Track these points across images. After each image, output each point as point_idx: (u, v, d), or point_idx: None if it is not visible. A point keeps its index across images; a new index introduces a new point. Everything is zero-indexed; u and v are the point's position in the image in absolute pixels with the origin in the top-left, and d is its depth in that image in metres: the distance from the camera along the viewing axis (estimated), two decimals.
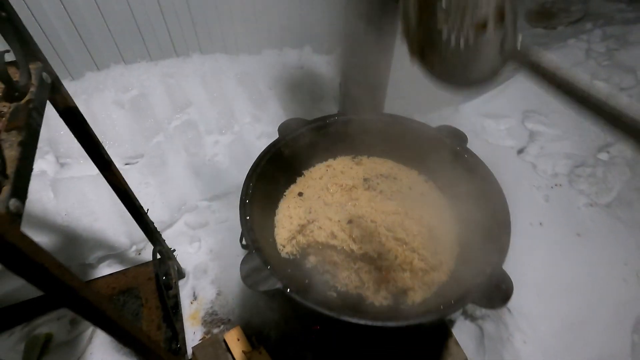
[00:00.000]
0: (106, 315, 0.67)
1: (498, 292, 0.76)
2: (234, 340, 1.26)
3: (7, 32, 0.64)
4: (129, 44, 1.69)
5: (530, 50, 0.50)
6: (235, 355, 1.23)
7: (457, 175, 1.04)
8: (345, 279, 0.95)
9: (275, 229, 1.04)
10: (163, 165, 1.66)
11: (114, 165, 1.00)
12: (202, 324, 1.38)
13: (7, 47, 0.65)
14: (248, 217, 0.90)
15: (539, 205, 1.63)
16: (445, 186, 1.10)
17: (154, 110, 1.73)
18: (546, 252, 1.50)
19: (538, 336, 1.31)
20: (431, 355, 1.22)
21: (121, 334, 0.74)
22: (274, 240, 1.03)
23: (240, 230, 0.96)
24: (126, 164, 1.67)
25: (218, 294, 1.44)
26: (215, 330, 1.36)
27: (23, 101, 0.63)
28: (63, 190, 1.47)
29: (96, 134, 0.91)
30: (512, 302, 1.36)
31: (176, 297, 1.33)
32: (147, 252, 1.54)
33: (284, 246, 1.01)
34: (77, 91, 1.69)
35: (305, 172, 1.17)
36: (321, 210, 1.01)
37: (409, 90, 1.90)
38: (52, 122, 1.43)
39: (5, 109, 0.62)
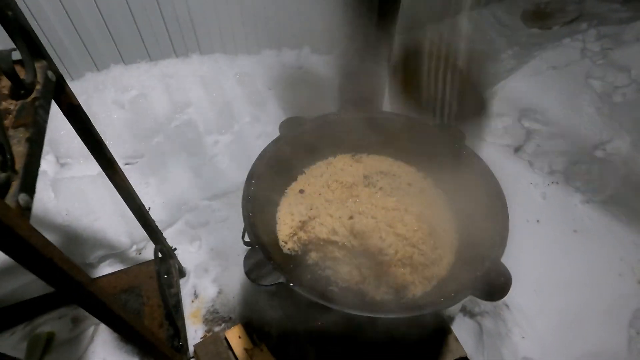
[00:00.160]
0: (112, 310, 0.68)
1: (497, 285, 0.77)
2: (236, 338, 1.27)
3: (14, 31, 0.65)
4: (128, 45, 1.70)
5: None
6: (237, 353, 1.24)
7: (455, 172, 1.06)
8: (347, 274, 0.96)
9: (277, 226, 1.06)
10: (163, 165, 1.67)
11: (117, 164, 1.01)
12: (204, 322, 1.39)
13: (13, 46, 0.66)
14: (250, 214, 0.91)
15: (536, 203, 1.66)
16: (444, 182, 1.11)
17: (153, 110, 1.74)
18: (543, 248, 1.52)
19: (536, 331, 1.33)
20: (431, 352, 1.24)
21: (126, 330, 0.75)
22: (276, 237, 1.04)
23: (241, 228, 0.97)
24: (126, 164, 1.68)
25: (219, 292, 1.45)
26: (217, 329, 1.37)
27: (29, 99, 0.64)
28: (63, 190, 1.47)
29: None
30: (510, 299, 1.39)
31: (177, 295, 1.33)
32: (147, 252, 1.55)
33: (285, 242, 1.02)
34: (77, 91, 1.67)
35: (306, 169, 1.18)
36: (322, 207, 1.02)
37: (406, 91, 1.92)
38: (52, 123, 1.43)
39: (12, 107, 0.62)
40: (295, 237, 1.01)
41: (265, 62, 1.98)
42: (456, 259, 0.99)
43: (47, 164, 1.59)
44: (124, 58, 1.74)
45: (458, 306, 1.40)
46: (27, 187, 0.53)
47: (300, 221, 1.02)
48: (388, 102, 1.53)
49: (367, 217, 0.97)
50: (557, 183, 1.72)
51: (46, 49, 0.74)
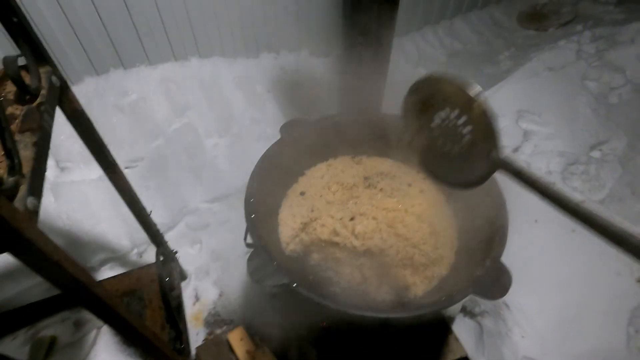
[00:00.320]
0: (117, 312, 0.68)
1: (498, 284, 0.78)
2: (238, 340, 1.27)
3: (19, 37, 0.66)
4: (128, 49, 1.70)
5: (513, 160, 0.59)
6: (239, 355, 1.25)
7: None
8: (348, 275, 0.97)
9: (279, 227, 1.06)
10: (163, 168, 1.67)
11: (119, 168, 1.01)
12: (205, 324, 1.39)
13: (17, 52, 0.67)
14: (253, 216, 0.91)
15: (534, 203, 1.65)
16: None
17: (153, 114, 1.74)
18: (542, 248, 1.53)
19: (536, 330, 1.34)
20: (432, 352, 1.24)
21: (129, 332, 0.75)
22: (278, 239, 1.04)
23: (242, 230, 0.97)
24: (126, 168, 1.68)
25: (220, 294, 1.45)
26: (218, 331, 1.37)
27: (35, 104, 0.65)
28: (64, 194, 1.47)
29: None
30: (510, 298, 1.40)
31: (179, 298, 1.34)
32: (148, 255, 1.55)
33: (287, 244, 1.03)
34: (77, 96, 1.68)
35: (306, 171, 1.19)
36: (323, 208, 1.03)
37: (405, 90, 1.93)
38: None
39: (17, 112, 0.63)
40: (297, 239, 1.02)
41: (264, 65, 1.99)
42: (457, 258, 1.00)
43: (47, 168, 1.59)
44: (124, 62, 1.75)
45: (458, 306, 1.41)
46: (34, 191, 0.54)
47: (301, 223, 1.03)
48: (385, 104, 1.55)
49: (368, 218, 0.98)
50: (554, 183, 1.73)
51: (49, 54, 0.75)
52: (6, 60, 0.60)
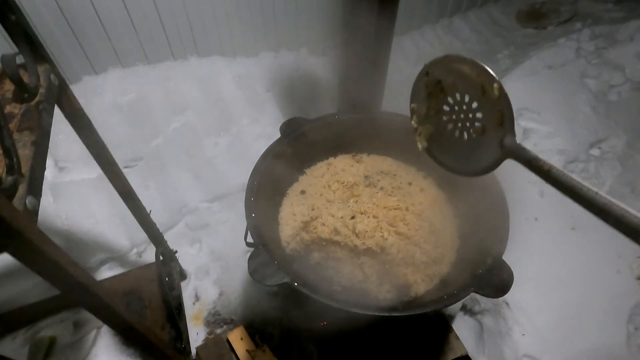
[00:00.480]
0: (116, 312, 0.68)
1: (499, 282, 0.78)
2: (238, 340, 1.27)
3: (17, 35, 0.65)
4: (126, 48, 1.70)
5: (525, 149, 0.56)
6: (239, 355, 1.24)
7: None
8: (349, 274, 0.97)
9: (280, 227, 1.06)
10: (162, 167, 1.67)
11: (118, 167, 1.01)
12: (205, 324, 1.39)
13: (15, 50, 0.66)
14: (254, 215, 0.91)
15: (534, 201, 1.67)
16: (444, 181, 1.12)
17: (152, 113, 1.74)
18: (542, 246, 1.53)
19: (536, 329, 1.34)
20: (432, 350, 1.24)
21: (129, 332, 0.75)
22: (279, 238, 1.04)
23: (242, 229, 0.97)
24: (125, 167, 1.68)
25: (220, 294, 1.45)
26: (219, 330, 1.37)
27: (33, 102, 0.64)
28: (63, 194, 1.47)
29: None
30: (510, 296, 1.40)
31: (179, 298, 1.33)
32: (147, 255, 1.55)
33: (288, 243, 1.03)
34: (75, 95, 1.68)
35: (307, 170, 1.19)
36: (324, 207, 1.03)
37: (405, 89, 1.93)
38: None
39: (16, 110, 0.63)
40: (298, 238, 1.02)
41: (263, 64, 1.98)
42: (458, 256, 1.00)
43: (46, 168, 1.58)
44: (122, 61, 1.74)
45: (459, 305, 1.41)
46: (33, 190, 0.53)
47: (302, 221, 1.02)
48: (386, 102, 1.55)
49: (368, 216, 0.98)
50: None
51: (47, 53, 0.74)
52: (4, 58, 0.59)
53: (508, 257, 0.84)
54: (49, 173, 1.58)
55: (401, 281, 0.94)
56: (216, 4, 1.72)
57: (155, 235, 1.25)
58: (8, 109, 0.62)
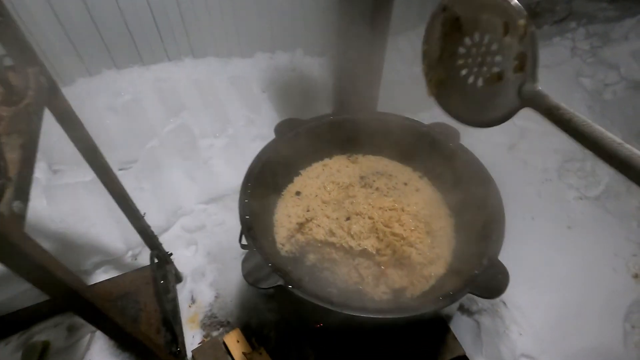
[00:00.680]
0: (109, 317, 0.67)
1: (495, 282, 0.78)
2: (234, 342, 1.26)
3: (5, 36, 0.64)
4: (120, 49, 1.68)
5: (547, 96, 0.51)
6: (236, 357, 1.23)
7: (450, 170, 1.06)
8: (345, 275, 0.96)
9: (275, 228, 1.05)
10: (158, 169, 1.66)
11: (111, 170, 1.00)
12: (201, 327, 1.38)
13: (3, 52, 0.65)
14: (248, 217, 0.90)
15: (530, 200, 1.67)
16: (440, 181, 1.12)
17: (147, 115, 1.72)
18: (538, 245, 1.53)
19: (533, 328, 1.34)
20: (430, 351, 1.24)
21: (123, 337, 0.74)
22: (274, 239, 1.03)
23: (237, 231, 0.96)
24: (120, 169, 1.66)
25: (216, 296, 1.44)
26: (215, 333, 1.36)
27: (22, 105, 0.63)
28: (57, 197, 1.45)
29: None
30: (507, 296, 1.40)
31: (174, 301, 1.32)
32: (143, 257, 1.54)
33: (283, 245, 1.02)
34: (69, 97, 1.64)
35: (302, 171, 1.18)
36: (319, 208, 1.03)
37: (400, 89, 1.92)
38: (44, 129, 1.41)
39: (4, 113, 0.62)
40: (293, 239, 1.01)
41: (258, 65, 1.97)
42: (454, 257, 1.00)
43: (39, 171, 1.56)
44: (116, 63, 1.73)
45: (456, 305, 1.40)
46: (21, 195, 0.52)
47: (297, 223, 1.02)
48: (380, 103, 1.54)
49: (364, 217, 0.97)
50: (550, 180, 1.73)
51: (37, 54, 0.73)
52: None
53: (505, 257, 0.83)
54: (43, 176, 1.56)
55: (397, 282, 0.94)
56: (210, 4, 1.71)
57: (150, 238, 1.24)
58: None
